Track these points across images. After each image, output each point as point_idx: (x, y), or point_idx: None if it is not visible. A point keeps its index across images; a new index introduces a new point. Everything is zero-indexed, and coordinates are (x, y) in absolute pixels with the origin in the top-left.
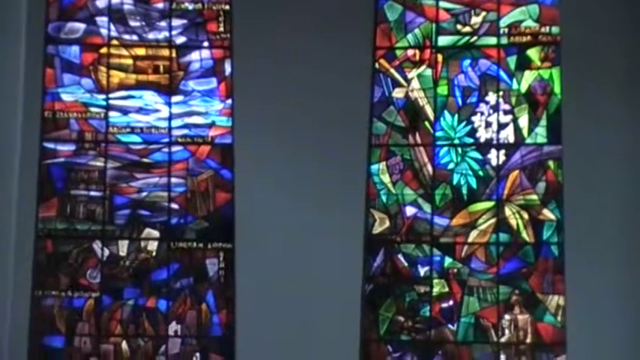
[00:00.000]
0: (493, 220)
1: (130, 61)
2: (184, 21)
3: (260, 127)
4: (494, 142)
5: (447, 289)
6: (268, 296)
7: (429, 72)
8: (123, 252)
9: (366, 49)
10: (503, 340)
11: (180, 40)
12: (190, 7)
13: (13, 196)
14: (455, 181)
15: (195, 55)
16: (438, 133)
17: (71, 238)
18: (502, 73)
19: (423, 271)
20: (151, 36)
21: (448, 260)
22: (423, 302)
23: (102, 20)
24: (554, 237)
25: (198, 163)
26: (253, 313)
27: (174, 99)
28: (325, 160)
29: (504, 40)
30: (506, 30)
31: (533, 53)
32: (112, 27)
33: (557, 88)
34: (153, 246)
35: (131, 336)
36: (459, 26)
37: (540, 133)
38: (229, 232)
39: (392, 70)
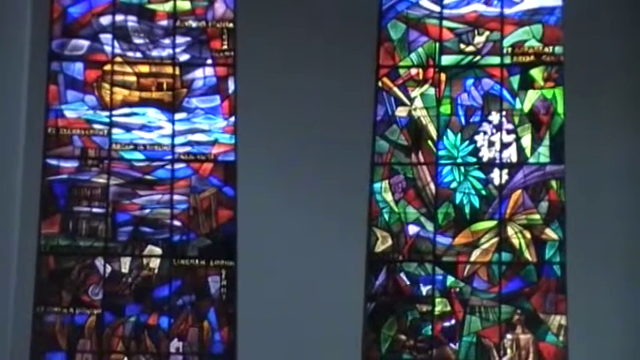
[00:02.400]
0: (495, 240)
1: (133, 79)
2: (188, 38)
3: (263, 145)
4: (497, 161)
5: (448, 308)
6: (270, 314)
7: (432, 91)
8: (125, 269)
9: (369, 68)
10: (504, 359)
11: (183, 57)
12: (194, 24)
13: (16, 213)
14: (457, 200)
15: (198, 73)
16: (441, 152)
17: (73, 255)
18: (505, 93)
19: (425, 290)
20: (154, 53)
21: (450, 279)
22: (425, 321)
23: (106, 37)
24: (556, 257)
25: (201, 181)
26: (255, 331)
27: (178, 116)
28: (328, 178)
29: (507, 60)
30: (509, 50)
31: (536, 73)
32: (116, 44)
33: (560, 108)
34: (155, 263)
35: (133, 353)
36: (462, 45)
37: (543, 153)
38: (231, 249)
39: (395, 89)
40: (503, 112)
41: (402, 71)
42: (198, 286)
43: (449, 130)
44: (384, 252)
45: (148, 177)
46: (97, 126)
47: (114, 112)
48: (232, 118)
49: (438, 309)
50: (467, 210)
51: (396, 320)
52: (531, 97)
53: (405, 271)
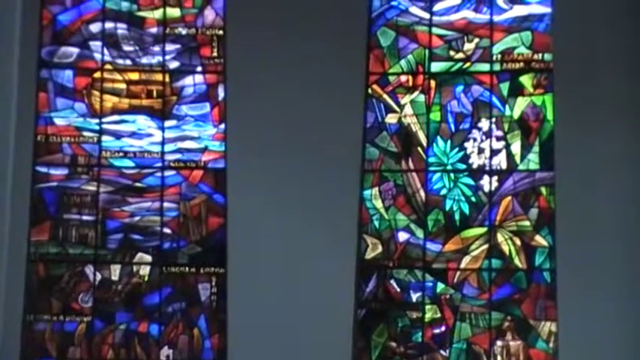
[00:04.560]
0: (485, 246)
1: (123, 86)
2: (178, 46)
3: (253, 152)
4: (487, 168)
5: (439, 315)
6: (260, 321)
7: (421, 98)
8: (115, 276)
9: (359, 75)
10: None
11: (173, 64)
12: (184, 32)
13: (5, 220)
14: (447, 207)
15: (188, 80)
16: (431, 159)
17: (63, 262)
18: (495, 100)
19: (415, 296)
20: (144, 60)
21: (440, 286)
22: (415, 328)
23: (95, 45)
24: (546, 263)
25: (191, 188)
26: (245, 338)
27: (168, 123)
28: (318, 185)
29: (497, 67)
30: (498, 56)
31: (525, 80)
32: (106, 51)
33: (549, 115)
34: (145, 270)
35: None
36: (451, 52)
37: (533, 160)
38: (222, 256)
39: (385, 96)
40: (493, 119)
41: (391, 78)
42: (188, 294)
43: (439, 137)
44: (374, 259)
45: (138, 184)
46: (86, 133)
47: (104, 120)
48: (222, 126)
49: (428, 316)
50: (457, 217)
51: (387, 327)
52: (521, 103)
53: (396, 277)
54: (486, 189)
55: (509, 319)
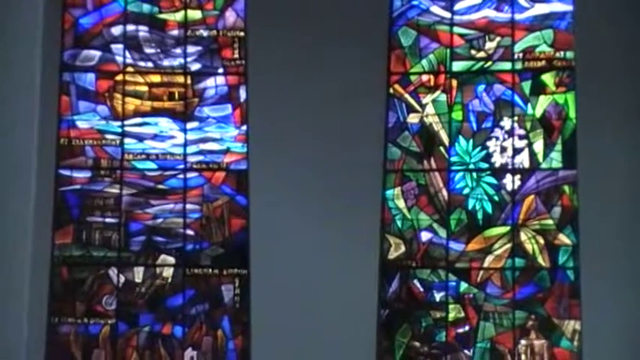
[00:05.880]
0: (508, 245)
1: (145, 88)
2: (199, 48)
3: (275, 153)
4: (510, 167)
5: (462, 315)
6: (283, 322)
7: (443, 97)
8: (138, 278)
9: (380, 75)
10: None
11: (195, 66)
12: (205, 34)
13: (29, 223)
14: (470, 206)
15: (210, 82)
16: (453, 158)
17: (87, 265)
18: (517, 98)
19: (438, 296)
20: (166, 63)
21: (464, 285)
22: (439, 327)
23: (117, 47)
24: (569, 262)
25: (214, 190)
26: (268, 339)
27: (190, 125)
28: (340, 185)
29: (519, 65)
30: (520, 55)
31: (547, 78)
32: (128, 54)
33: (571, 113)
34: (168, 272)
35: None
36: (473, 51)
37: (555, 158)
38: (244, 258)
39: (406, 96)
40: (515, 118)
41: (413, 78)
42: (211, 295)
43: (461, 136)
44: (397, 258)
45: (161, 186)
46: (109, 136)
47: (126, 122)
48: (244, 127)
49: (451, 315)
50: (479, 216)
51: (410, 327)
52: (543, 102)
53: (419, 277)
54: (509, 188)
55: (533, 318)
